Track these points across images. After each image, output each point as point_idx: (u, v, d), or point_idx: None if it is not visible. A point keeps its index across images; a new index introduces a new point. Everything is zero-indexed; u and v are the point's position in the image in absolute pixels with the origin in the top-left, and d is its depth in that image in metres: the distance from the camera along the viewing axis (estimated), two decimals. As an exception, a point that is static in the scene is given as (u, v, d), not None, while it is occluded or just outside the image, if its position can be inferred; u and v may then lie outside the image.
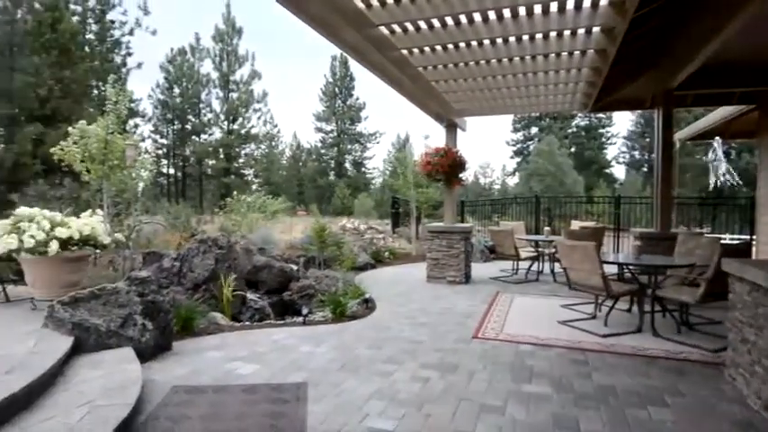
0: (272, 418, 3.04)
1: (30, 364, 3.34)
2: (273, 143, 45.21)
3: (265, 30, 72.29)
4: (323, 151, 52.80)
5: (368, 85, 60.09)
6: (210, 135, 40.40)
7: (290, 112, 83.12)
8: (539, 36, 5.27)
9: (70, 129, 7.54)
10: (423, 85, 6.84)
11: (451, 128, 8.90)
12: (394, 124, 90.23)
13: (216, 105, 40.27)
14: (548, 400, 3.31)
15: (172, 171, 42.43)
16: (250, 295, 6.25)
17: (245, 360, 4.16)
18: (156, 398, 3.38)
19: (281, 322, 5.63)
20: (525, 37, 5.27)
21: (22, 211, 4.77)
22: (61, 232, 4.63)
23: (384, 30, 5.08)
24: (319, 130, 52.59)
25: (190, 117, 40.13)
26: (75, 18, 23.39)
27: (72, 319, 3.96)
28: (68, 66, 20.45)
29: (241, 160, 40.76)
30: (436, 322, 5.52)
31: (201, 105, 40.25)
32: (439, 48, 5.68)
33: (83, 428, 2.67)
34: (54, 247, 4.55)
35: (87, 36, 24.77)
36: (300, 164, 52.70)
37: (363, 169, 54.17)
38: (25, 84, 19.56)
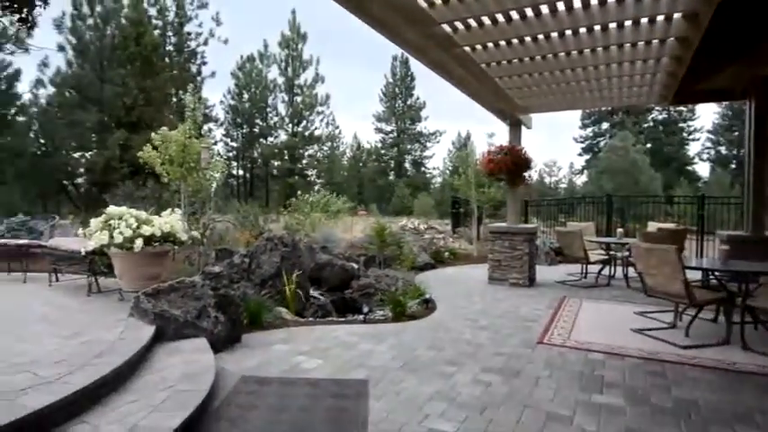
0: (335, 412, 3.11)
1: (118, 349, 3.65)
2: (335, 144, 46.23)
3: (327, 32, 74.08)
4: (383, 151, 53.23)
5: (429, 84, 59.91)
6: (276, 138, 42.04)
7: (351, 113, 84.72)
8: (612, 26, 4.98)
9: (153, 135, 8.16)
10: (486, 82, 6.69)
11: (516, 125, 8.65)
12: (455, 123, 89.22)
13: (281, 109, 41.85)
14: (621, 412, 3.12)
15: (241, 172, 44.66)
16: (313, 292, 6.43)
17: (309, 355, 4.28)
18: (227, 386, 3.56)
19: (343, 319, 5.74)
20: (597, 27, 5.00)
21: (112, 209, 5.23)
22: (146, 230, 5.03)
23: (446, 27, 5.02)
24: (379, 130, 53.09)
25: (257, 121, 41.97)
26: (156, 31, 25.26)
27: (154, 310, 4.28)
28: (150, 75, 22.14)
29: (305, 161, 42.04)
30: (498, 325, 5.39)
31: (268, 109, 41.94)
32: (503, 43, 5.53)
33: (165, 410, 2.88)
34: (139, 243, 4.94)
35: (167, 48, 26.64)
36: (361, 164, 53.47)
37: (423, 169, 54.05)
38: (114, 93, 21.41)
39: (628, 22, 4.89)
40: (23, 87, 22.73)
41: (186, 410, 2.86)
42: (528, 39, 5.37)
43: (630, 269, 7.78)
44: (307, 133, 41.14)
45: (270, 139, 42.02)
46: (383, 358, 4.19)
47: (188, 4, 27.91)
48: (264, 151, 41.21)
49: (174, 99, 23.76)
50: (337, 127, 43.85)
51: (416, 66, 49.72)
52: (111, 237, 4.99)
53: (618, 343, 4.66)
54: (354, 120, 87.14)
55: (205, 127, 29.63)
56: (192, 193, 8.06)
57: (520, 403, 3.25)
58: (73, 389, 2.88)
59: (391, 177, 51.68)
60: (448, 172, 48.48)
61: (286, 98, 41.48)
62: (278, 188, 41.56)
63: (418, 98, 51.71)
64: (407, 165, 53.58)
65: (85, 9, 22.81)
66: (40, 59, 22.37)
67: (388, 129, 52.80)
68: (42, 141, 22.40)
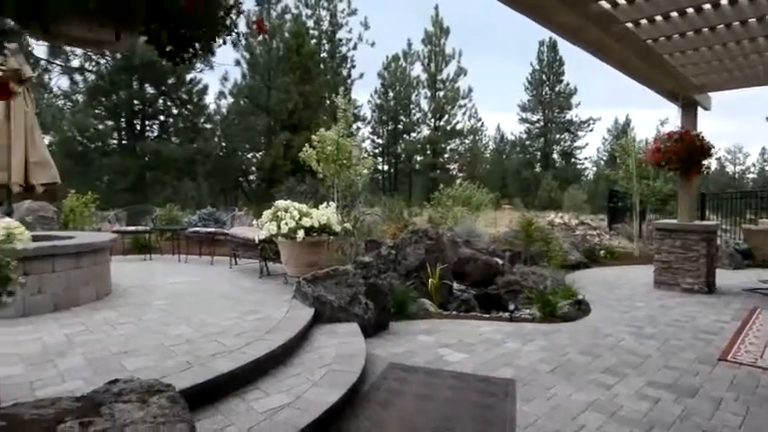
0: (480, 408, 3.08)
1: (284, 327, 4.12)
2: (477, 137, 45.43)
3: (469, 24, 72.87)
4: (528, 142, 50.57)
5: (580, 69, 54.96)
6: (419, 133, 42.95)
7: (494, 104, 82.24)
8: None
9: (313, 136, 9.03)
10: (652, 59, 5.90)
11: (689, 107, 7.46)
12: (612, 108, 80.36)
13: (424, 105, 42.52)
14: (842, 456, 2.51)
15: (386, 167, 46.71)
16: (456, 286, 6.44)
17: (454, 348, 4.30)
18: (376, 370, 3.78)
19: (487, 316, 5.64)
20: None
21: (279, 203, 5.93)
22: (306, 222, 5.59)
23: (605, 4, 4.54)
24: (524, 120, 50.45)
25: (401, 117, 43.37)
26: (312, 41, 27.72)
27: (313, 294, 4.74)
28: (308, 81, 24.41)
29: (446, 155, 42.21)
30: (667, 335, 4.74)
31: (411, 106, 43.00)
32: (675, 14, 4.80)
33: (323, 386, 3.18)
34: (301, 234, 5.52)
35: (322, 54, 29.08)
36: (504, 156, 51.64)
37: (573, 159, 49.95)
38: (279, 100, 24.13)
39: None
40: (209, 99, 26.96)
41: (341, 389, 3.11)
42: (707, 6, 4.57)
43: None
44: (449, 127, 41.19)
45: (413, 134, 43.09)
46: (531, 359, 4.02)
47: (339, 12, 30.12)
48: (408, 147, 42.42)
49: (328, 102, 25.83)
50: (480, 119, 43.05)
51: (566, 50, 46.08)
52: (279, 227, 5.66)
53: (837, 370, 3.75)
54: (498, 111, 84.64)
55: (354, 126, 31.65)
56: (345, 188, 8.69)
57: (697, 427, 2.83)
58: (250, 358, 3.35)
59: (537, 169, 48.87)
60: (603, 162, 44.09)
61: (429, 94, 42.02)
62: (420, 182, 42.46)
63: (568, 84, 47.80)
64: (555, 156, 50.06)
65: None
66: (222, 74, 26.38)
67: (534, 118, 49.92)
68: (224, 144, 26.36)
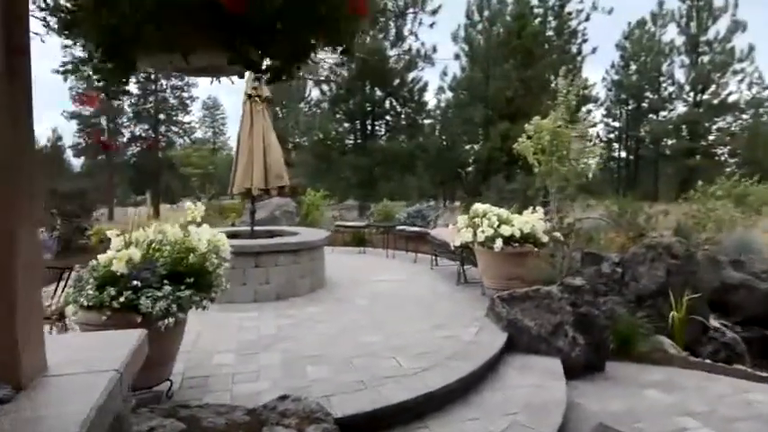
0: None
1: (469, 354, 3.62)
2: (761, 110, 35.16)
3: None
4: None
5: None
6: (671, 111, 35.84)
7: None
8: None
9: (527, 125, 8.14)
10: None
11: None
12: None
13: (680, 75, 35.13)
14: None
15: (623, 154, 40.62)
16: (714, 322, 4.77)
17: (702, 420, 3.07)
18: (580, 428, 2.95)
19: (765, 375, 3.94)
20: None
21: (477, 207, 5.41)
22: (505, 230, 4.91)
23: None
24: (842, 82, 36.65)
25: (647, 94, 36.93)
26: (536, 20, 25.69)
27: (508, 317, 4.08)
28: (531, 65, 22.77)
29: (711, 137, 33.97)
30: None
31: (662, 79, 36.12)
32: None
33: (502, 446, 2.56)
34: (498, 244, 4.88)
35: (547, 34, 26.72)
36: (802, 134, 38.69)
37: None
38: (496, 89, 23.26)
39: None
40: (429, 96, 27.96)
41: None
42: None
43: None
44: (716, 101, 33.03)
45: (662, 113, 36.25)
46: None
47: (569, -20, 27.03)
48: (654, 128, 35.87)
49: (553, 85, 23.69)
50: (766, 87, 33.25)
51: None
52: (475, 234, 5.13)
53: None
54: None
55: (583, 109, 28.34)
56: (559, 189, 7.53)
57: None
58: (424, 389, 2.98)
59: None
60: None
61: (686, 61, 34.54)
62: (670, 172, 35.50)
63: None
64: None
65: (476, 17, 25.69)
66: (441, 69, 27.06)
67: None
68: (443, 138, 27.02)
